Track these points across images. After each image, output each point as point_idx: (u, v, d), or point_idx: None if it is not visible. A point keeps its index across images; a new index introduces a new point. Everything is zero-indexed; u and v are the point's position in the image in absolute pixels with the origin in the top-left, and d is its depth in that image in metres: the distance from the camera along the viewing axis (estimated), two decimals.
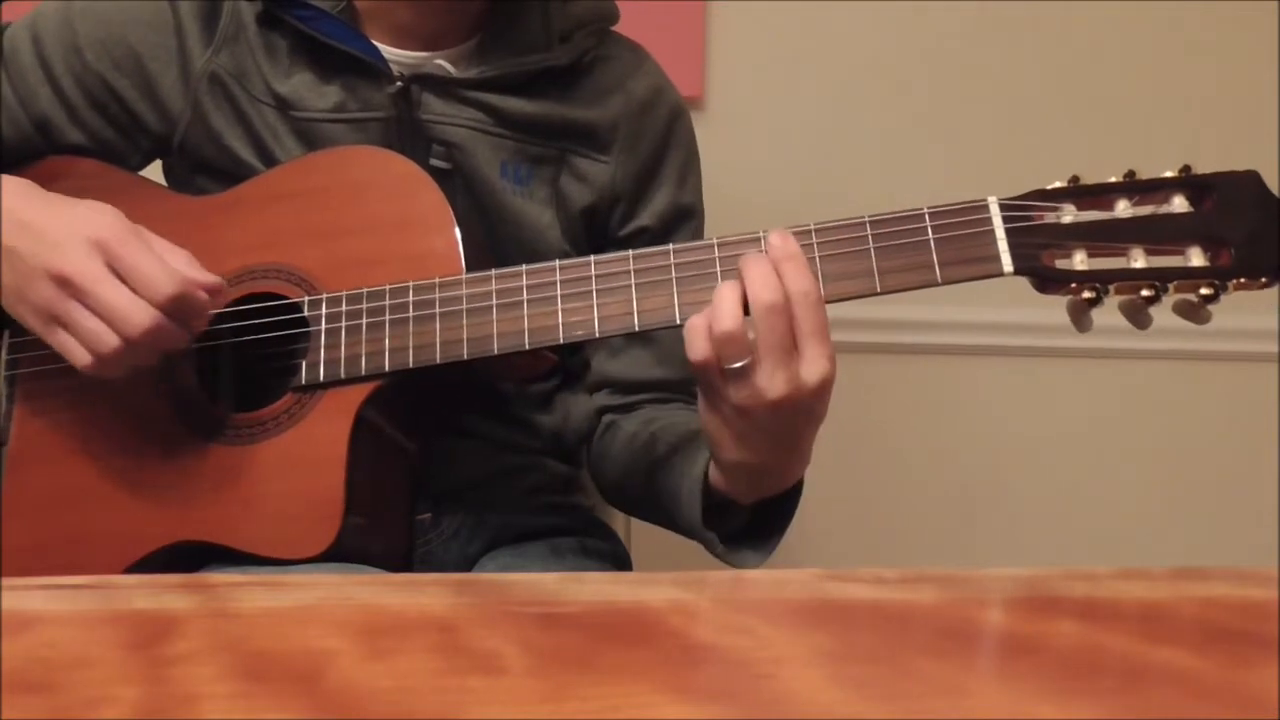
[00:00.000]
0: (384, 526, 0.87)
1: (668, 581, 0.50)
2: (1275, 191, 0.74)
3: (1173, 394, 1.58)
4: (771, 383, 0.71)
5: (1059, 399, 1.57)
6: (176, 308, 0.77)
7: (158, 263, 0.77)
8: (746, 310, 0.72)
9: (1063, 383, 1.57)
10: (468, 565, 0.94)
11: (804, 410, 0.73)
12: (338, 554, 0.79)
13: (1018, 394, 1.57)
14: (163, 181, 0.96)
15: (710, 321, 0.72)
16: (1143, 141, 1.53)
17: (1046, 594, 0.50)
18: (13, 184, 0.82)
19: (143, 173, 0.95)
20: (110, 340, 0.76)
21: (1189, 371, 1.57)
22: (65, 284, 0.76)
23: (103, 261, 0.76)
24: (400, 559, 0.89)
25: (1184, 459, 1.59)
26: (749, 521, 0.83)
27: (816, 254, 0.75)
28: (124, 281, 0.76)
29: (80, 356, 0.77)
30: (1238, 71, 1.56)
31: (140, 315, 0.75)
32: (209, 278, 0.79)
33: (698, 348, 0.72)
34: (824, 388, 0.72)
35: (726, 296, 0.72)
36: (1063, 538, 1.57)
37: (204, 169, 0.92)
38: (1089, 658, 0.37)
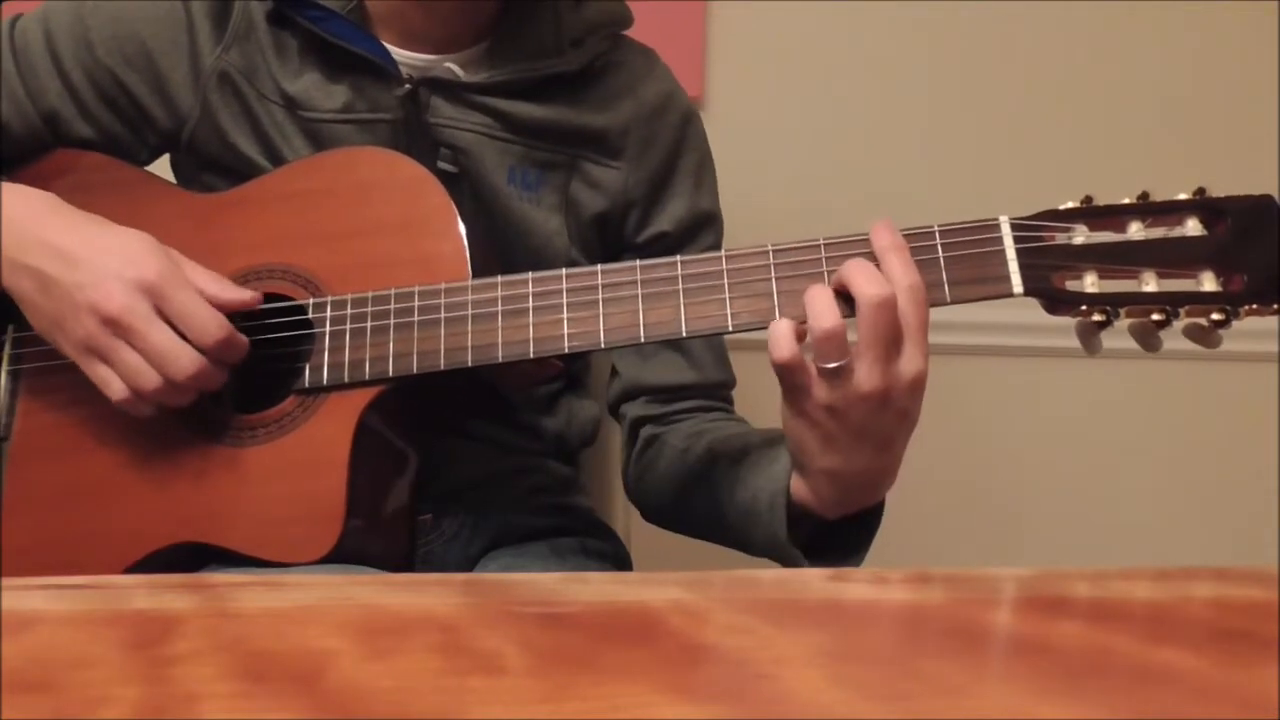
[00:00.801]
0: (385, 529, 0.87)
1: (668, 581, 0.50)
2: (1278, 184, 0.73)
3: (1173, 394, 1.58)
4: (869, 378, 0.70)
5: (1059, 399, 1.57)
6: (221, 351, 0.78)
7: (205, 307, 0.78)
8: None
9: (1063, 383, 1.57)
10: (469, 566, 0.94)
11: (896, 408, 0.72)
12: (339, 555, 0.79)
13: (1018, 394, 1.57)
14: (169, 176, 0.96)
15: (808, 321, 0.71)
16: (1143, 141, 1.53)
17: (1049, 594, 0.50)
18: (41, 202, 0.82)
19: (150, 168, 0.95)
20: (153, 380, 0.77)
21: (1189, 371, 1.57)
22: (112, 324, 0.77)
23: (150, 303, 0.77)
24: (401, 560, 0.89)
25: (1184, 459, 1.59)
26: (839, 537, 0.80)
27: (825, 269, 0.75)
28: (171, 324, 0.78)
29: (118, 390, 0.79)
30: (1242, 74, 1.55)
31: (185, 358, 0.77)
32: (245, 295, 0.81)
33: (784, 348, 0.71)
34: (917, 384, 0.72)
35: (821, 296, 0.71)
36: (1063, 537, 1.57)
37: (211, 166, 0.92)
38: (1091, 658, 0.37)
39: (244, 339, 0.80)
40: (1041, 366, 1.56)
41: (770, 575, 0.56)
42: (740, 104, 1.50)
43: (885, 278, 0.71)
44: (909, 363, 0.71)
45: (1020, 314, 1.49)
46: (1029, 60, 1.54)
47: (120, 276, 0.77)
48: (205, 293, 0.80)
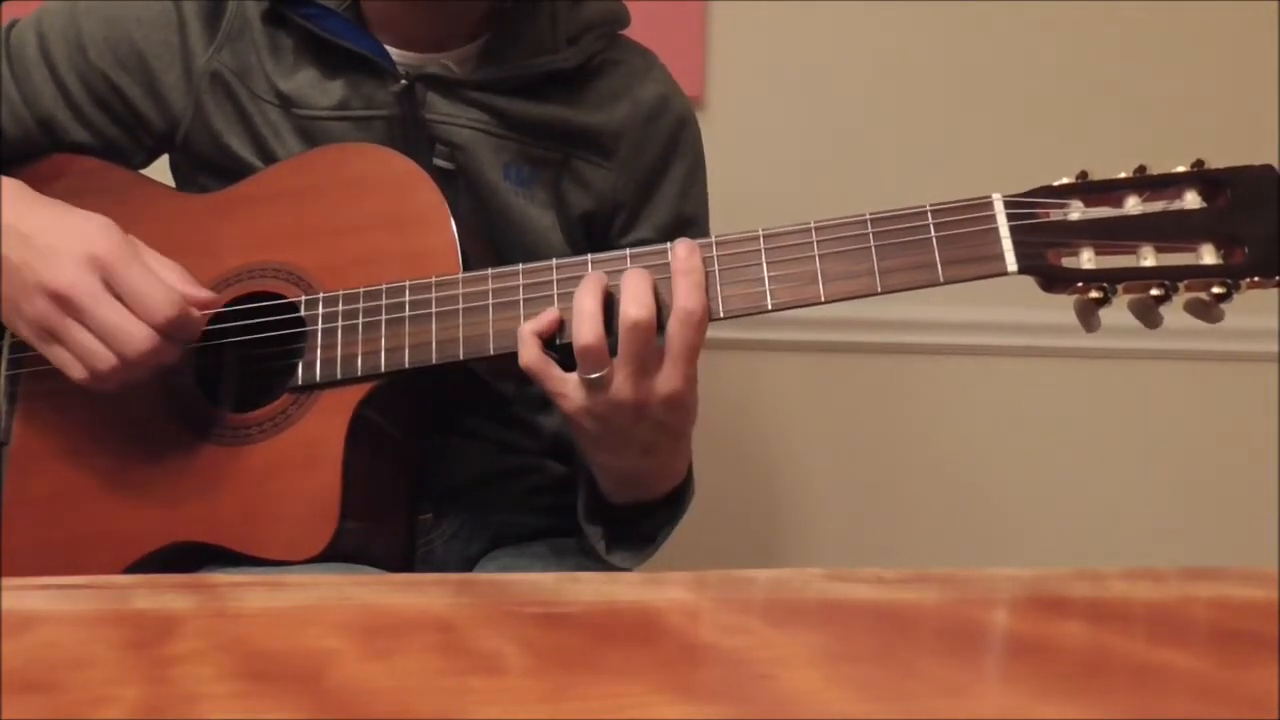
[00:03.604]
0: (384, 527, 0.87)
1: (668, 581, 0.50)
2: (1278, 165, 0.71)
3: (1173, 394, 1.58)
4: (622, 389, 0.73)
5: (1059, 399, 1.57)
6: (173, 328, 0.77)
7: (156, 282, 0.77)
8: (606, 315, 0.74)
9: (1063, 383, 1.57)
10: (469, 565, 0.94)
11: (653, 420, 0.75)
12: (338, 554, 0.79)
13: (1018, 394, 1.57)
14: (167, 178, 0.96)
15: (553, 329, 0.75)
16: (1144, 141, 1.53)
17: (1048, 594, 0.50)
18: (8, 189, 0.81)
19: (146, 170, 0.95)
20: (107, 358, 0.76)
21: (1189, 371, 1.57)
22: (62, 301, 0.76)
23: (100, 279, 0.76)
24: (401, 559, 0.89)
25: (1184, 459, 1.59)
26: (632, 524, 0.86)
27: (816, 252, 0.75)
28: (121, 300, 0.76)
29: (76, 371, 0.78)
30: (1241, 68, 1.56)
31: (138, 335, 0.76)
32: (203, 293, 0.80)
33: (529, 357, 0.75)
34: (673, 401, 0.74)
35: (586, 305, 0.74)
36: (1062, 538, 1.57)
37: (206, 167, 0.92)
38: (1091, 658, 0.37)
39: (198, 314, 0.79)
40: (1041, 366, 1.56)
41: (770, 575, 0.56)
42: (740, 104, 1.50)
43: (650, 301, 0.73)
44: (665, 382, 0.73)
45: (1020, 314, 1.50)
46: (1030, 61, 1.55)
47: (70, 253, 0.76)
48: (162, 279, 0.78)
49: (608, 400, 0.73)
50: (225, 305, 0.84)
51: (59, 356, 0.78)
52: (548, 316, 0.76)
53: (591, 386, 0.73)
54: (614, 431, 0.75)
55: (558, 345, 0.79)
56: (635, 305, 0.72)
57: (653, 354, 0.73)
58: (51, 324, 0.77)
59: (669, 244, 0.76)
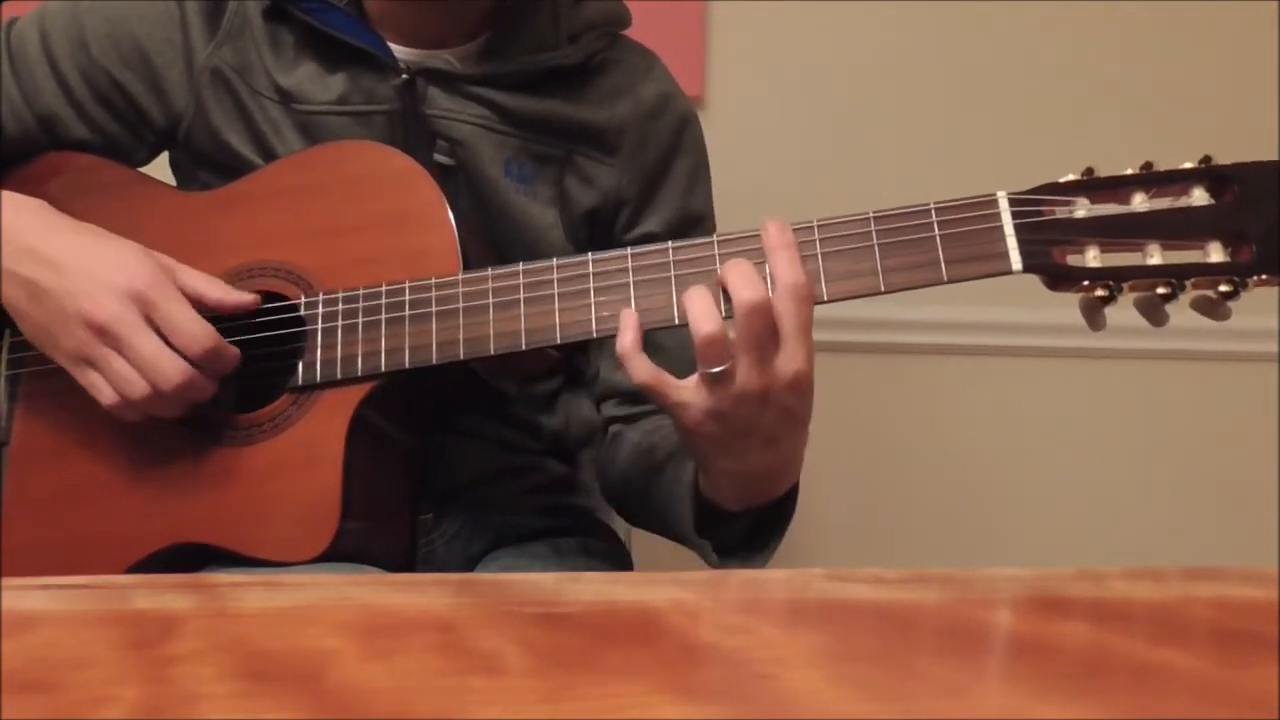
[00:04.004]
0: (385, 527, 0.87)
1: (668, 581, 0.50)
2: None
3: (1173, 394, 1.58)
4: (747, 379, 0.70)
5: (1059, 399, 1.57)
6: (209, 361, 0.78)
7: (194, 318, 0.78)
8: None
9: (1063, 383, 1.57)
10: (470, 565, 0.94)
11: (779, 407, 0.71)
12: (339, 554, 0.79)
13: (1018, 394, 1.57)
14: (167, 176, 0.96)
15: (690, 325, 0.71)
16: (1146, 139, 1.53)
17: (1048, 594, 0.50)
18: (31, 212, 0.82)
19: (147, 167, 0.95)
20: (141, 388, 0.77)
21: (1189, 371, 1.57)
22: (101, 333, 0.77)
23: (139, 312, 0.77)
24: (402, 559, 0.89)
25: (1184, 459, 1.59)
26: (749, 530, 0.82)
27: (819, 251, 0.74)
28: (160, 333, 0.78)
29: (108, 396, 0.79)
30: (1242, 67, 1.55)
31: (174, 369, 0.77)
32: (244, 298, 0.81)
33: (641, 372, 0.72)
34: (798, 383, 0.71)
35: (701, 298, 0.71)
36: (1062, 537, 1.57)
37: (206, 164, 0.92)
38: (1091, 658, 0.37)
39: (234, 350, 0.80)
40: (1041, 366, 1.56)
41: (769, 575, 0.56)
42: (740, 104, 1.50)
43: (766, 277, 0.71)
44: (788, 362, 0.70)
45: (1020, 314, 1.50)
46: (1030, 60, 1.55)
47: (111, 286, 0.77)
48: (203, 297, 0.80)
49: (732, 394, 0.70)
50: None
51: (93, 381, 0.79)
52: (633, 321, 0.73)
53: (714, 382, 0.70)
54: (738, 429, 0.72)
55: (560, 345, 0.78)
56: (749, 288, 0.69)
57: (771, 337, 0.70)
58: (89, 353, 0.78)
59: (759, 227, 0.74)
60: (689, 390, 0.72)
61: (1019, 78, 1.54)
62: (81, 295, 0.77)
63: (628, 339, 0.73)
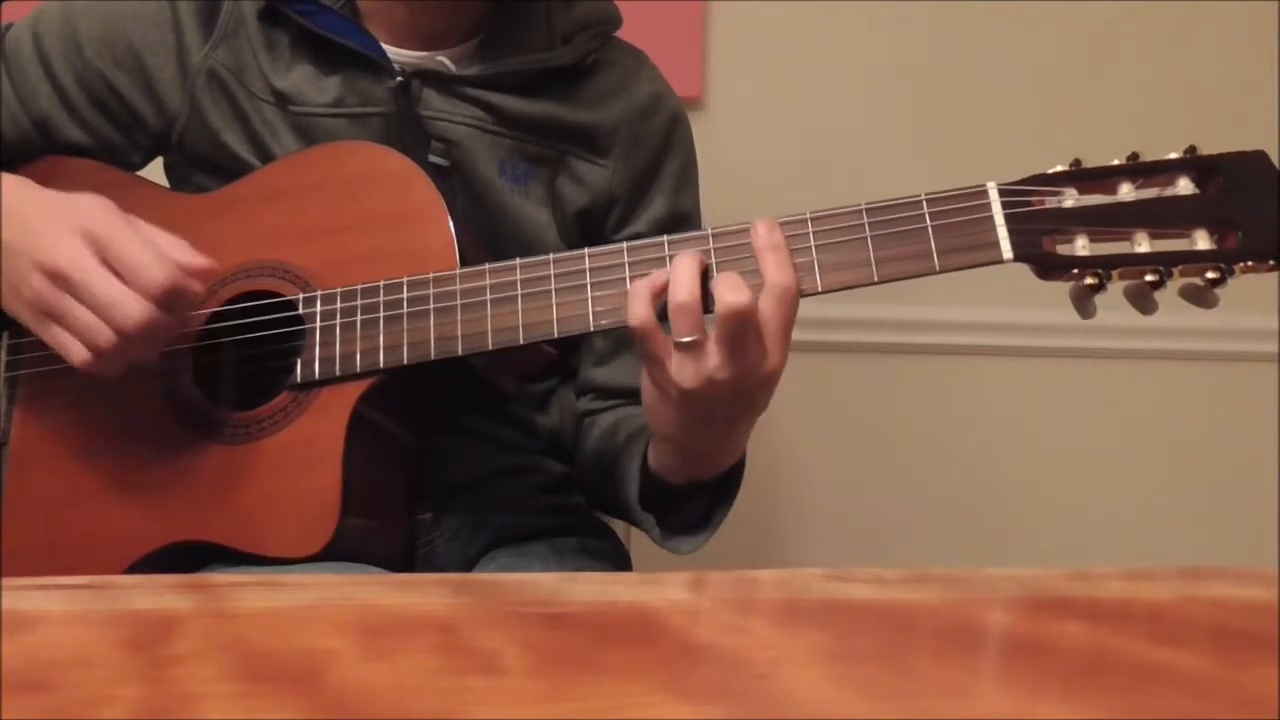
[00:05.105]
0: (384, 525, 0.87)
1: (668, 581, 0.50)
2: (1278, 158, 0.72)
3: (1173, 394, 1.58)
4: (722, 369, 0.71)
5: (1059, 399, 1.57)
6: (169, 298, 0.75)
7: (148, 252, 0.75)
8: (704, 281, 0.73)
9: (1063, 383, 1.57)
10: (469, 565, 0.94)
11: (747, 399, 0.74)
12: (338, 554, 0.79)
13: (1018, 394, 1.57)
14: (161, 179, 0.96)
15: (666, 290, 0.72)
16: (1144, 137, 1.53)
17: (1047, 594, 0.50)
18: (8, 182, 0.81)
19: (142, 171, 0.95)
20: (104, 334, 0.75)
21: (1189, 371, 1.57)
22: (57, 277, 0.75)
23: (93, 253, 0.75)
24: (402, 559, 0.89)
25: (1184, 459, 1.59)
26: (699, 512, 0.85)
27: (813, 243, 0.75)
28: (116, 273, 0.75)
29: (77, 353, 0.76)
30: (1238, 65, 1.56)
31: (133, 307, 0.74)
32: (201, 261, 0.77)
33: (639, 311, 0.73)
34: (770, 379, 0.73)
35: (685, 266, 0.72)
36: (1062, 537, 1.57)
37: (202, 166, 0.92)
38: (1091, 658, 0.37)
39: (196, 285, 0.77)
40: (1041, 366, 1.56)
41: (770, 575, 0.56)
42: (740, 104, 1.50)
43: (756, 277, 0.72)
44: (765, 360, 0.72)
45: (1020, 314, 1.50)
46: (1030, 61, 1.54)
47: (65, 229, 0.76)
48: (162, 247, 0.77)
49: (704, 377, 0.72)
50: (224, 304, 0.84)
51: (58, 339, 0.77)
52: (660, 275, 0.74)
53: (684, 350, 0.72)
54: (700, 412, 0.74)
55: (557, 340, 0.79)
56: (731, 292, 0.70)
57: (750, 336, 0.71)
58: (49, 303, 0.76)
59: (748, 224, 0.75)
60: (670, 348, 0.73)
61: (1019, 79, 1.54)
62: (36, 243, 0.76)
63: (643, 281, 0.74)
